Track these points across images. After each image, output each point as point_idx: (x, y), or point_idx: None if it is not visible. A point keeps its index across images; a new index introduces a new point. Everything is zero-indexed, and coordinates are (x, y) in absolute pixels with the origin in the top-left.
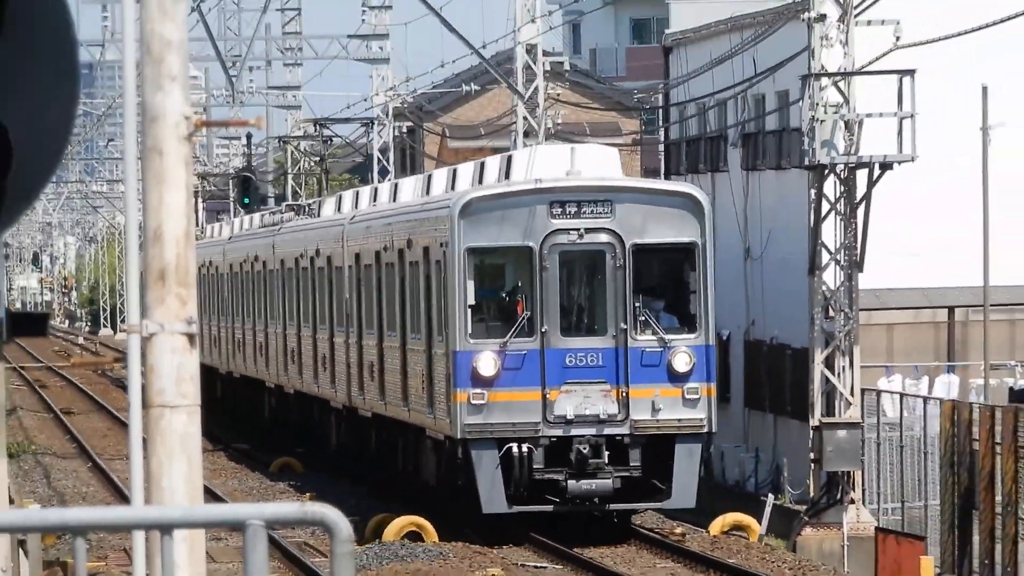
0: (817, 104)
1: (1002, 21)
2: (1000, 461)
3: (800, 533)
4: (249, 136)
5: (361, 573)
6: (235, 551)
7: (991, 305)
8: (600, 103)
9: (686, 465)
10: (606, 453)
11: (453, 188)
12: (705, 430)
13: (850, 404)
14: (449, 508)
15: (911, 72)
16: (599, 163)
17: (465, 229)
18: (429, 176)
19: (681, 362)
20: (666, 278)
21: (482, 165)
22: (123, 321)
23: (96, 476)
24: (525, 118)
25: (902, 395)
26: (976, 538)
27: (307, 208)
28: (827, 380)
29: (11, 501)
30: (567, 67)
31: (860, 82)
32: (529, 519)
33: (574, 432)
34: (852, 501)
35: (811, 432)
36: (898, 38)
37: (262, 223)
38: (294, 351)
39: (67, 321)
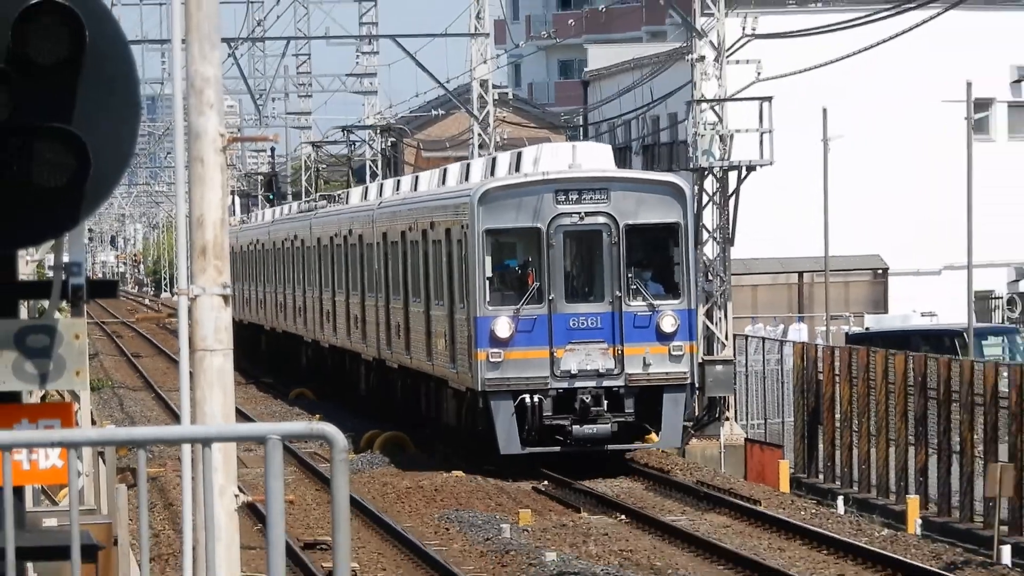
0: (699, 123)
1: (838, 60)
2: (838, 388)
3: (688, 443)
4: (273, 149)
5: (356, 475)
6: (261, 459)
7: (831, 270)
8: (536, 123)
9: (673, 412)
10: (605, 402)
11: (467, 179)
12: (688, 381)
13: (724, 346)
14: (469, 445)
15: (768, 98)
16: (595, 158)
17: (483, 214)
18: (444, 170)
19: (668, 324)
20: (654, 253)
21: (494, 160)
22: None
23: (158, 403)
24: (480, 134)
25: (764, 339)
26: (820, 446)
27: (337, 197)
28: (707, 328)
29: (93, 422)
30: (510, 96)
31: (731, 106)
32: (539, 458)
33: (577, 384)
34: (727, 419)
35: (696, 367)
36: (759, 73)
37: (299, 210)
38: (329, 312)
39: (137, 287)
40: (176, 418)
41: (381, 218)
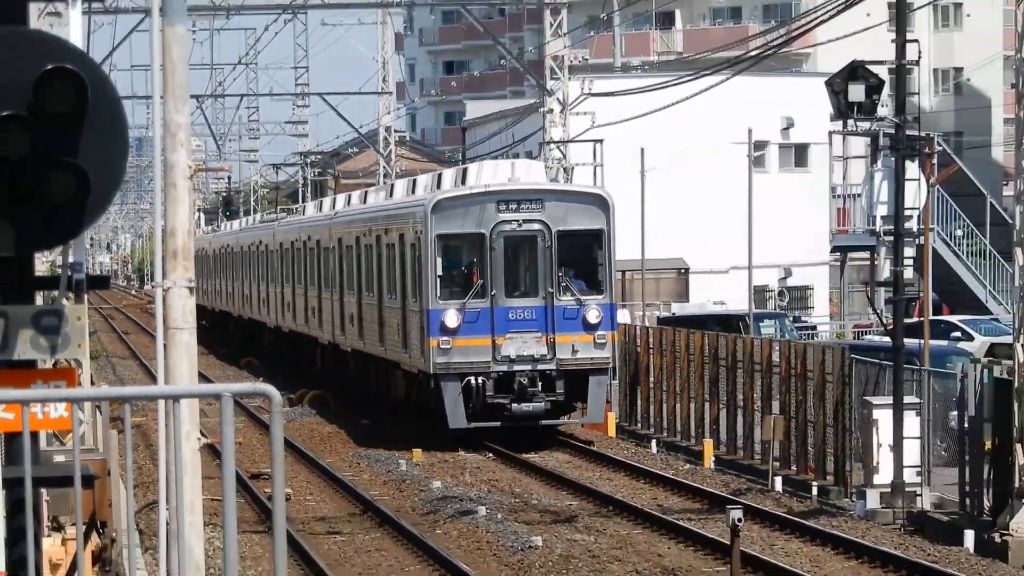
0: (548, 159)
1: (653, 112)
2: (652, 358)
3: None
4: (229, 177)
5: (289, 423)
6: (218, 410)
7: (646, 269)
8: (427, 159)
9: (597, 392)
10: (539, 384)
11: (413, 192)
12: (610, 365)
13: None
14: (418, 421)
15: (600, 140)
16: (531, 173)
17: (435, 221)
18: (392, 185)
19: (592, 316)
20: (581, 255)
21: (440, 175)
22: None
23: (141, 368)
24: (384, 167)
25: None
26: (639, 402)
27: (294, 210)
28: None
29: (92, 383)
30: (407, 139)
31: (573, 146)
32: (480, 433)
33: (516, 368)
34: None
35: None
36: (593, 122)
37: (262, 220)
38: (289, 303)
39: (125, 282)
40: (154, 380)
41: (336, 226)
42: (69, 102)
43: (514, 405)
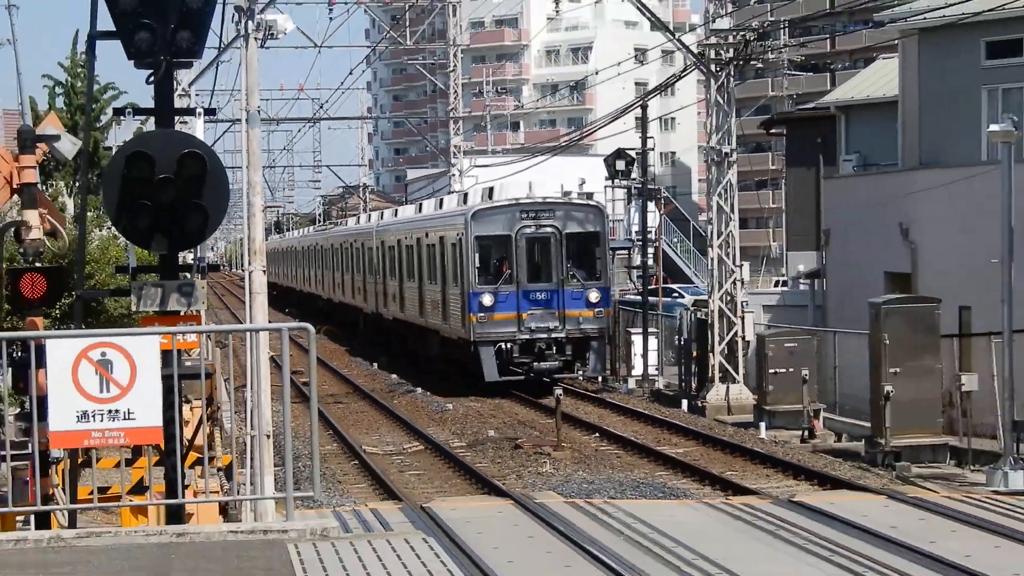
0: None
1: (510, 175)
2: None
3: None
4: (278, 210)
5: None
6: (277, 341)
7: None
8: (387, 201)
9: (596, 354)
10: (553, 348)
11: (441, 207)
12: (607, 335)
13: None
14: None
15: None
16: (543, 190)
17: (475, 225)
18: (420, 203)
19: (593, 297)
20: (584, 251)
21: (466, 194)
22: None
23: (233, 316)
24: (363, 205)
25: None
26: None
27: (339, 222)
28: None
29: (205, 323)
30: (375, 189)
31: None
32: (509, 385)
33: (536, 336)
34: None
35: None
36: (477, 180)
37: (315, 230)
38: (339, 284)
39: (227, 268)
40: (241, 321)
41: (380, 232)
42: (197, 170)
43: (535, 363)
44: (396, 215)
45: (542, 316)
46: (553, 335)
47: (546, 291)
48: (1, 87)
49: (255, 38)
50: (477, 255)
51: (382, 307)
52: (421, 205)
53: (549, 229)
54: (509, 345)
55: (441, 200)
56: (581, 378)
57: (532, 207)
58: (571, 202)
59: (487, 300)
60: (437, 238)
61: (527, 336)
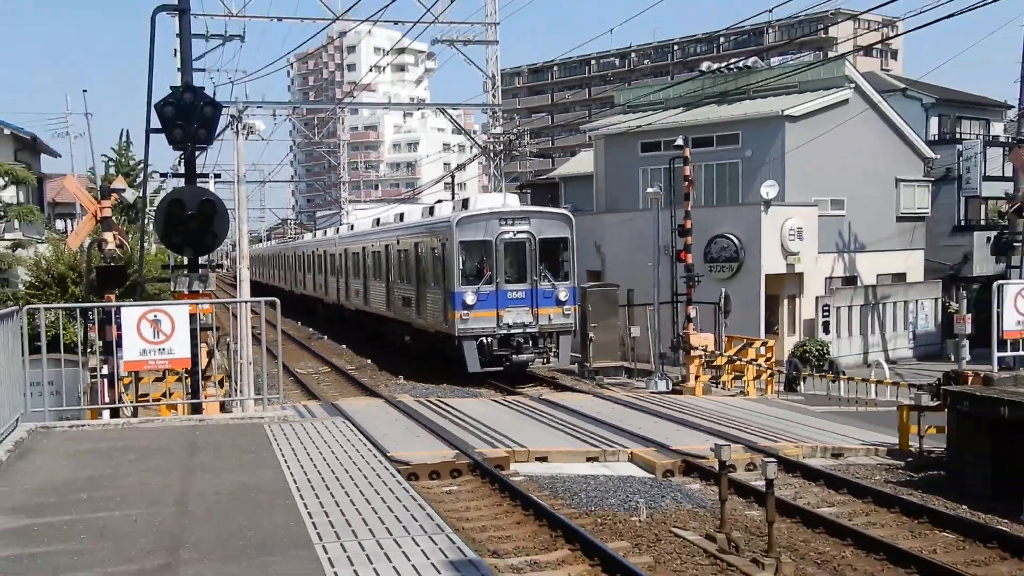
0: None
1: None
2: None
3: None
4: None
5: (308, 339)
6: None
7: None
8: None
9: (564, 347)
10: (528, 341)
11: (432, 214)
12: (573, 329)
13: None
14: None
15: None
16: (515, 200)
17: (459, 231)
18: (402, 213)
19: (562, 295)
20: (554, 254)
21: (439, 201)
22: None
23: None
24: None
25: None
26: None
27: (297, 237)
28: None
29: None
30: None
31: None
32: (488, 375)
33: (513, 331)
34: None
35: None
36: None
37: (279, 242)
38: (321, 286)
39: (221, 267)
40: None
41: (341, 242)
42: (210, 210)
43: (513, 356)
44: (352, 229)
45: (518, 313)
46: (528, 330)
47: (522, 290)
48: (66, 160)
49: (243, 133)
50: (461, 258)
51: (343, 299)
52: (378, 220)
53: (525, 235)
54: (489, 339)
55: (402, 214)
56: (548, 370)
57: (510, 215)
58: (543, 211)
59: (470, 299)
60: (412, 244)
61: (505, 331)
